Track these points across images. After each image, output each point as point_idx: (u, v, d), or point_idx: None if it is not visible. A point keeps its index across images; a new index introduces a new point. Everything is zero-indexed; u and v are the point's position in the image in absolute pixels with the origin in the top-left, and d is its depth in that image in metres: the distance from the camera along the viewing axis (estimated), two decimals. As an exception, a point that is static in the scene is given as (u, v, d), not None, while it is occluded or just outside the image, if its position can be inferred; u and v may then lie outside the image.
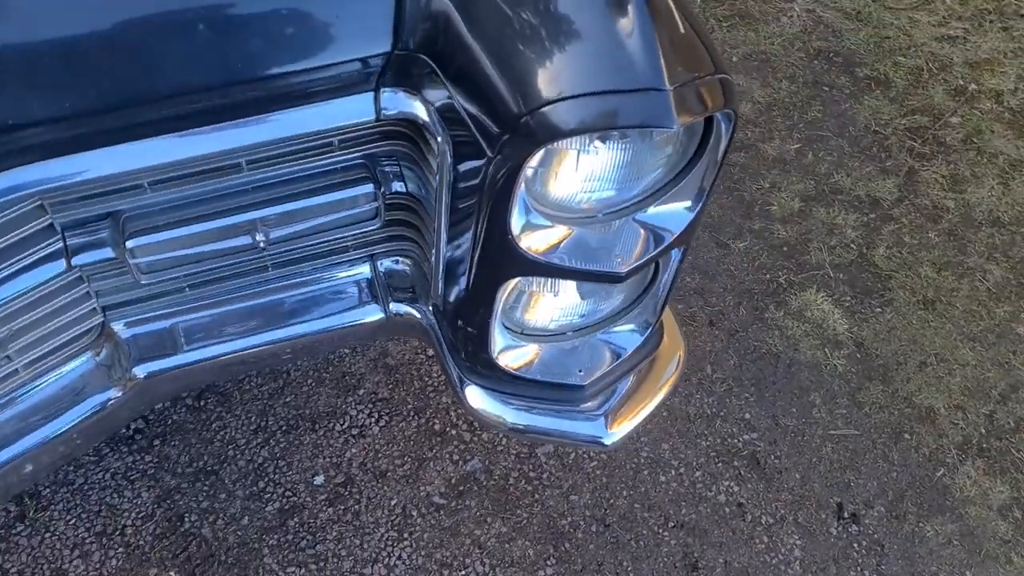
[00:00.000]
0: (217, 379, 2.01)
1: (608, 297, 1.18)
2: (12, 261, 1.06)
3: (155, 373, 1.26)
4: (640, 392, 1.31)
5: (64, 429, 1.14)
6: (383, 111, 1.05)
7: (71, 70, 0.95)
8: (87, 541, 1.89)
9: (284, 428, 2.09)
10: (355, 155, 1.16)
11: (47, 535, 1.89)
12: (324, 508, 1.97)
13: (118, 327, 1.26)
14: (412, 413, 2.14)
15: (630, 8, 0.84)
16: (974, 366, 2.29)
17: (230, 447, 2.04)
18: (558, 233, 1.01)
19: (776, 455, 2.12)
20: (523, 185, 0.93)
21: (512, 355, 1.21)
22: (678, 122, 0.83)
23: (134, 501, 1.95)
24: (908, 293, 2.43)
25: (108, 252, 1.10)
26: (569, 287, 1.15)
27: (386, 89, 1.04)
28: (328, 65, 1.03)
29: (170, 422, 2.07)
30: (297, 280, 1.33)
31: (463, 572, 1.91)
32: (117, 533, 1.90)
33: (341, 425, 2.10)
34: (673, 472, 2.08)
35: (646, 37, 0.83)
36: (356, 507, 1.98)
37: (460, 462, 2.06)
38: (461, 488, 2.02)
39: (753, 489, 2.06)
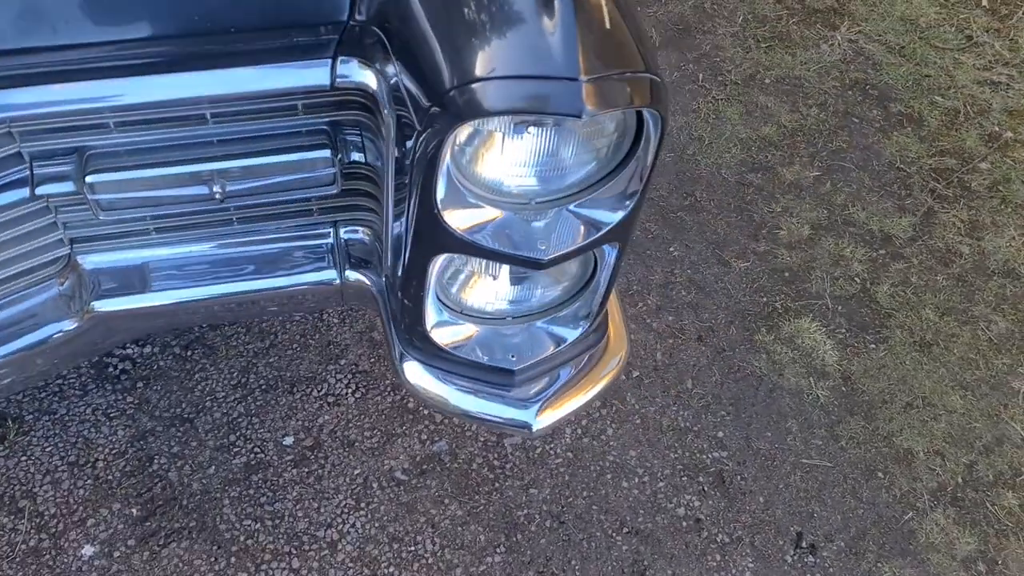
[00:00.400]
0: (179, 325, 2.07)
1: (541, 287, 1.20)
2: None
3: (113, 309, 1.32)
4: (578, 386, 1.33)
5: (9, 353, 1.20)
6: (338, 79, 1.08)
7: (39, 6, 1.01)
8: (59, 469, 1.96)
9: (263, 387, 2.14)
10: (318, 120, 1.20)
11: (23, 458, 1.97)
12: (289, 468, 2.02)
13: (84, 260, 1.32)
14: (389, 389, 2.18)
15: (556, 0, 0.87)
16: (961, 414, 2.25)
17: (208, 398, 2.11)
18: (486, 214, 1.04)
19: (743, 476, 2.11)
20: (448, 160, 0.96)
21: (446, 331, 1.23)
22: (588, 112, 0.85)
23: (110, 437, 2.02)
24: (906, 333, 2.39)
25: (70, 185, 1.16)
26: (505, 272, 1.18)
27: (343, 58, 1.07)
28: (287, 28, 1.07)
29: (156, 367, 2.14)
30: (261, 237, 1.38)
31: (413, 548, 1.94)
32: (89, 465, 1.97)
33: (318, 391, 2.15)
34: (636, 479, 2.08)
35: (566, 27, 0.86)
36: (319, 472, 2.02)
37: (428, 442, 2.09)
38: (424, 467, 2.05)
39: (714, 507, 2.06)
